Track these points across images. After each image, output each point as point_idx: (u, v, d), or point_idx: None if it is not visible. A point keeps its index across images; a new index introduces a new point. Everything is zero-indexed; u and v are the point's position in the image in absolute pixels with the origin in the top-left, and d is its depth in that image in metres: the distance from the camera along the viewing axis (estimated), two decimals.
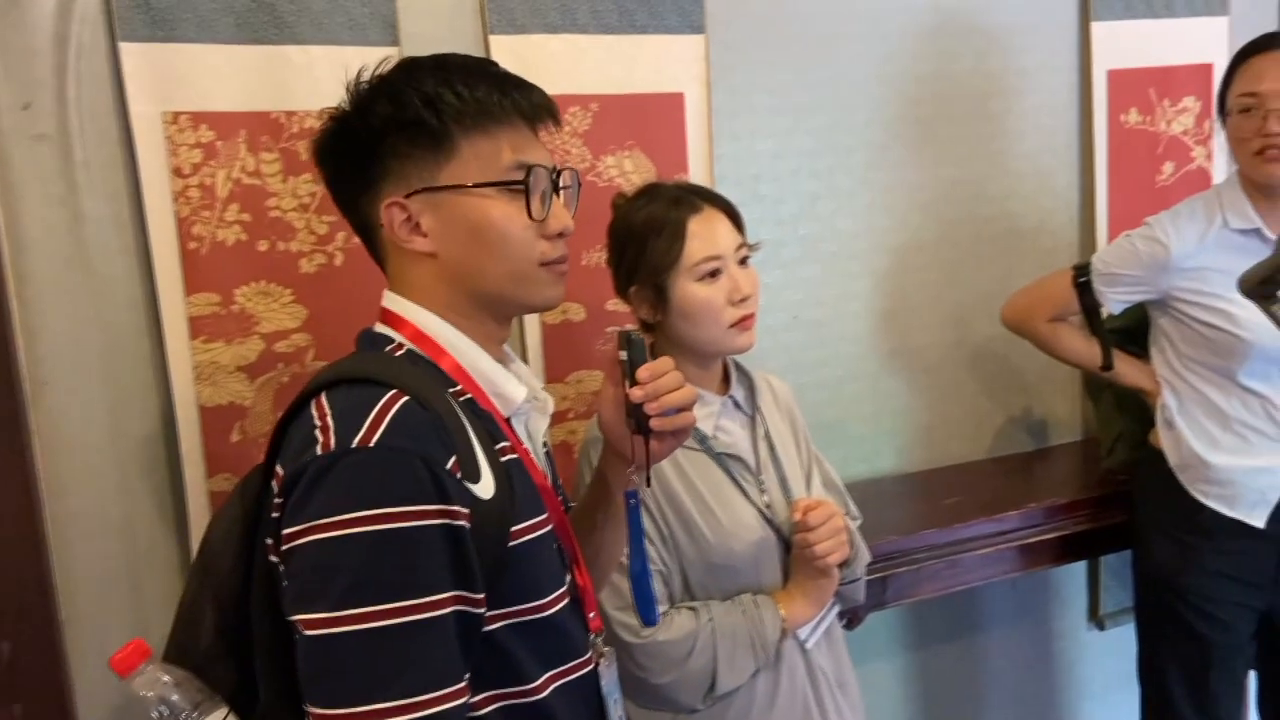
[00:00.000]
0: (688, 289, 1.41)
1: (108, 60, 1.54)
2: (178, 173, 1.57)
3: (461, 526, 0.89)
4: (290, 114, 1.62)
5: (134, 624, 1.62)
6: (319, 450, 0.88)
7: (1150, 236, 1.88)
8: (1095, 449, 2.25)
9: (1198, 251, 1.83)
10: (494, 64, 1.05)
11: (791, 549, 1.46)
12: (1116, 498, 2.07)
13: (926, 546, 1.92)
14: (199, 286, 1.59)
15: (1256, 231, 1.81)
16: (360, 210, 1.04)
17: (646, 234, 1.41)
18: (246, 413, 1.64)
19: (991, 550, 1.97)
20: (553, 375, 1.85)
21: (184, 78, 1.56)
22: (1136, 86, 2.34)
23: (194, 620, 1.04)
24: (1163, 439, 1.94)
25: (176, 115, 1.56)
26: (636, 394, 1.03)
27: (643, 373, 1.03)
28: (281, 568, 0.91)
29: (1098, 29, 2.28)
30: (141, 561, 1.62)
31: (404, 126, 0.98)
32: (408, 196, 1.00)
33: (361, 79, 1.02)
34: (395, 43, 1.67)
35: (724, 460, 1.46)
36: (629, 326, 1.12)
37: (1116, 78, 2.32)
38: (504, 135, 1.01)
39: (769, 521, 1.46)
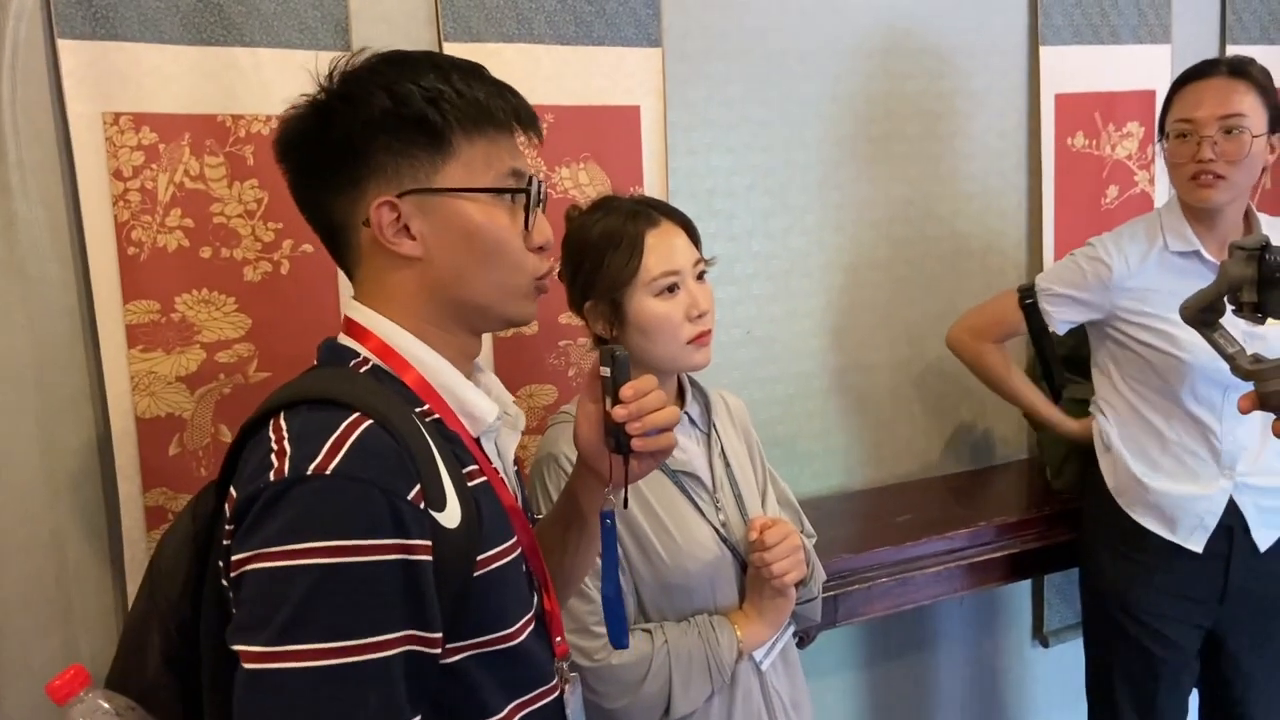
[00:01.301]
0: (645, 304, 1.39)
1: (45, 58, 1.48)
2: (117, 175, 1.51)
3: (420, 562, 0.85)
4: (236, 118, 1.58)
5: (63, 643, 1.55)
6: (272, 476, 0.84)
7: (1093, 256, 1.90)
8: (1043, 467, 2.26)
9: (1139, 272, 1.86)
10: (483, 67, 1.00)
11: (747, 568, 1.45)
12: (1064, 516, 2.10)
13: (878, 565, 1.92)
14: (137, 294, 1.54)
15: (1196, 254, 1.84)
16: (333, 209, 0.98)
17: (603, 248, 1.38)
18: (185, 425, 1.58)
19: (942, 569, 1.98)
20: None
21: (126, 77, 1.51)
22: (1083, 111, 2.38)
23: (139, 646, 0.98)
24: (1101, 462, 1.97)
25: (117, 116, 1.51)
26: (620, 413, 0.99)
27: (627, 391, 1.00)
28: (232, 595, 0.87)
29: (1046, 53, 2.32)
30: (71, 579, 1.56)
31: (403, 122, 0.93)
32: (399, 196, 0.94)
33: (339, 69, 0.97)
34: (347, 47, 1.63)
35: (679, 478, 1.44)
36: (614, 346, 1.08)
37: (1063, 102, 2.36)
38: (502, 140, 0.97)
39: (725, 540, 1.44)
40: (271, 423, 0.89)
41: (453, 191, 0.95)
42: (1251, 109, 1.76)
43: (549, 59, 1.79)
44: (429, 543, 0.86)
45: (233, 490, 0.89)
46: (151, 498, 1.57)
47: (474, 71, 0.97)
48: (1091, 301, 1.90)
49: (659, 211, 1.43)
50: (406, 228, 0.95)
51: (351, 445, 0.84)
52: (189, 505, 1.02)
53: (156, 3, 1.52)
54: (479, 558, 0.92)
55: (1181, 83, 1.84)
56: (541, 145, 1.05)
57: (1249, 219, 1.88)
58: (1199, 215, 1.84)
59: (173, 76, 1.54)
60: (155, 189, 1.54)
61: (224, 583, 0.88)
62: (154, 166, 1.53)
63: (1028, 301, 1.97)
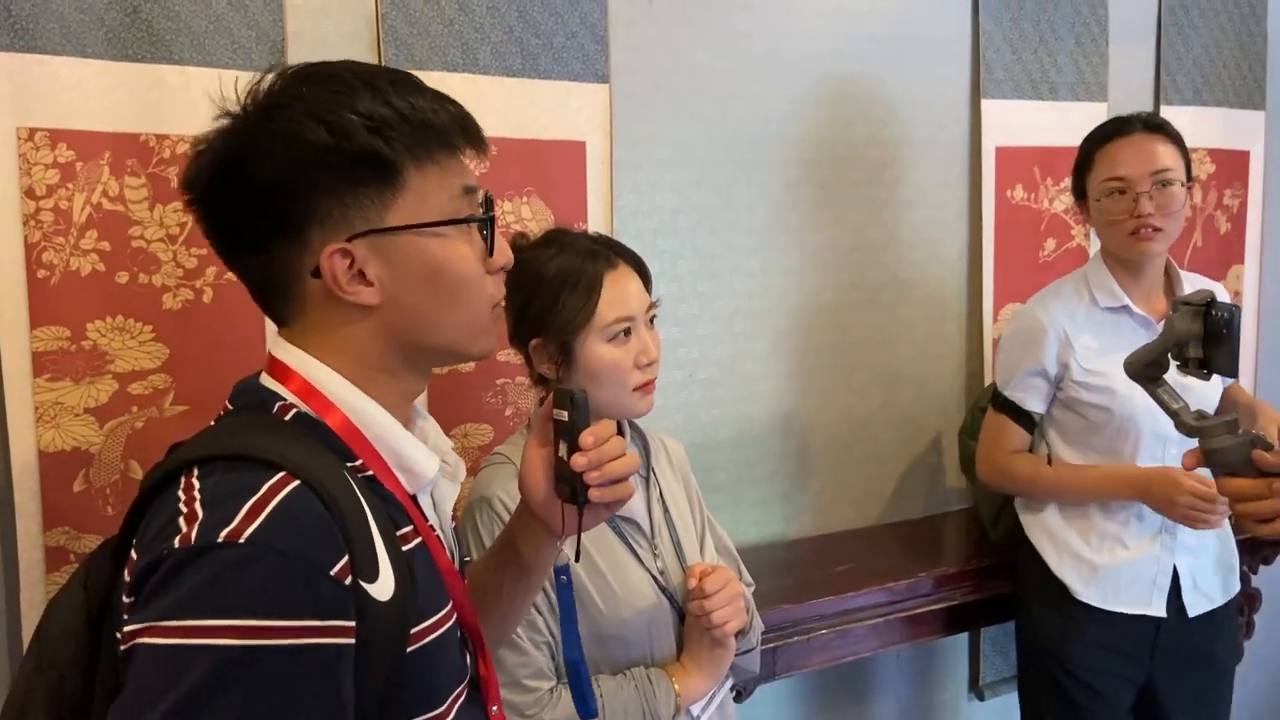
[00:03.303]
0: (597, 349, 1.34)
1: None
2: (30, 194, 1.43)
3: (339, 646, 0.76)
4: (161, 137, 1.51)
5: None
6: (178, 542, 0.74)
7: (1020, 325, 1.93)
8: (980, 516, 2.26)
9: (1071, 328, 1.87)
10: (415, 77, 0.90)
11: (685, 618, 1.39)
12: (1001, 568, 2.08)
13: (818, 616, 1.88)
14: (46, 319, 1.45)
15: (1125, 308, 1.86)
16: (263, 259, 0.86)
17: (559, 286, 1.33)
18: (93, 460, 1.49)
19: (881, 620, 1.95)
20: None
21: (44, 92, 1.44)
22: (1022, 164, 2.41)
23: (20, 713, 0.87)
24: (1034, 532, 1.96)
25: (32, 132, 1.43)
26: (580, 461, 0.93)
27: (587, 438, 0.94)
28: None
29: (988, 107, 2.35)
30: None
31: (347, 159, 0.82)
32: (350, 240, 0.84)
33: (256, 94, 0.85)
34: None
35: (617, 524, 1.39)
36: (571, 388, 1.00)
37: (1004, 155, 2.39)
38: (451, 160, 0.88)
39: (663, 589, 1.39)
40: (182, 480, 0.79)
41: (411, 229, 0.85)
42: (1174, 161, 1.80)
43: (494, 90, 1.75)
44: (352, 624, 0.77)
45: (133, 554, 0.79)
46: (52, 537, 1.47)
47: (409, 84, 0.87)
48: (1039, 367, 1.88)
49: (616, 253, 1.38)
50: (362, 274, 0.85)
51: (273, 510, 0.75)
52: (80, 568, 0.91)
53: (80, 15, 1.45)
54: (413, 631, 0.83)
55: (1099, 142, 1.85)
56: (486, 157, 0.95)
57: (1169, 272, 1.93)
58: (1128, 269, 1.87)
59: (94, 92, 1.46)
60: (70, 209, 1.46)
61: (120, 653, 0.77)
62: (70, 186, 1.45)
63: (1004, 403, 1.95)
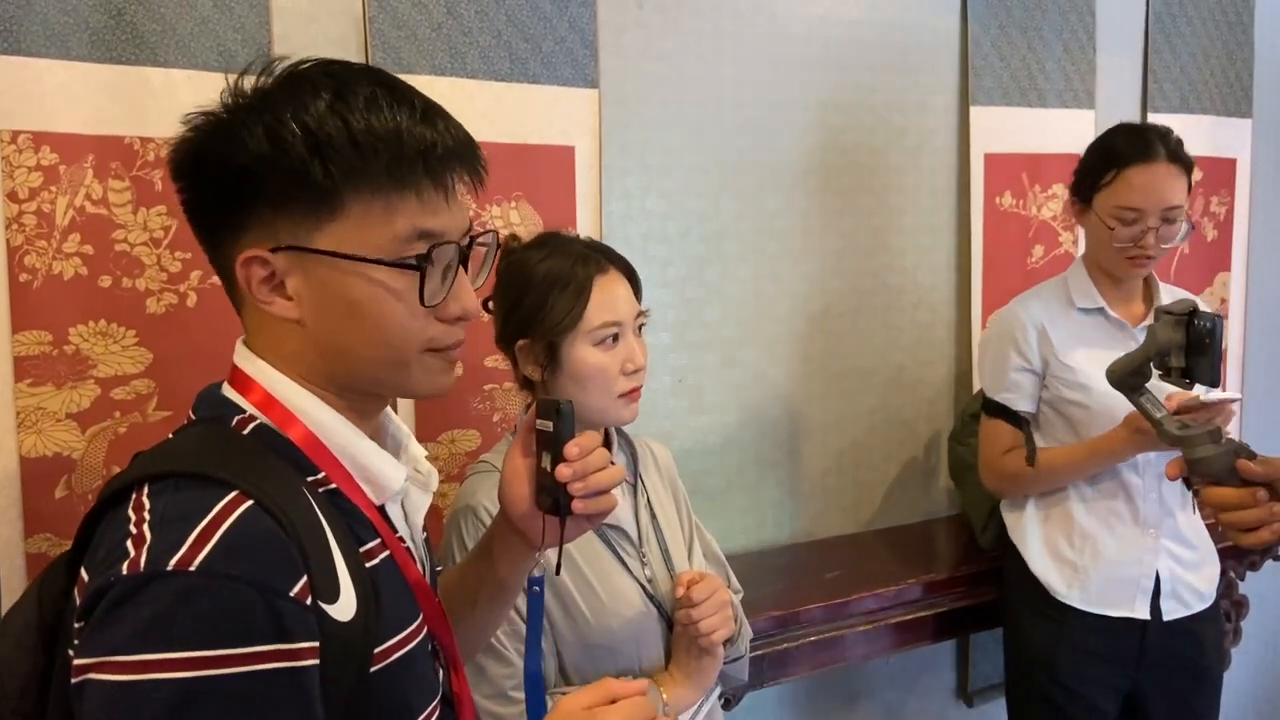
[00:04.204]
0: (583, 352, 1.33)
1: None
2: (12, 197, 1.42)
3: (305, 669, 0.73)
4: (145, 140, 1.49)
5: None
6: (125, 568, 0.70)
7: (1000, 325, 1.95)
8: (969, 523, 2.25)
9: (1049, 325, 1.89)
10: (412, 92, 0.84)
11: (673, 627, 1.38)
12: (990, 575, 2.08)
13: (807, 623, 1.88)
14: (28, 323, 1.43)
15: (1100, 310, 1.89)
16: (218, 246, 0.85)
17: (548, 288, 1.33)
18: (75, 466, 1.47)
19: (870, 627, 1.94)
20: (423, 434, 1.74)
21: (27, 94, 1.42)
22: (1011, 171, 2.42)
23: None
24: (1018, 534, 1.96)
25: (15, 134, 1.42)
26: (565, 472, 0.92)
27: (572, 449, 0.92)
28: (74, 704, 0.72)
29: (976, 114, 2.35)
30: None
31: (280, 173, 0.79)
32: (274, 251, 0.81)
33: (241, 87, 0.83)
34: (268, 75, 1.56)
35: (605, 531, 1.38)
36: (557, 399, 0.98)
37: (992, 161, 2.39)
38: (411, 193, 0.82)
39: (651, 597, 1.38)
40: (134, 497, 0.76)
41: (335, 256, 0.81)
42: (1185, 195, 1.81)
43: (482, 95, 1.74)
44: (315, 644, 0.74)
45: (84, 573, 0.76)
46: (34, 544, 1.45)
47: (390, 103, 0.82)
48: (1028, 362, 1.90)
49: (607, 258, 1.38)
50: (283, 284, 0.82)
51: (224, 534, 0.72)
52: (35, 584, 0.87)
53: (64, 17, 1.43)
54: (377, 650, 0.80)
55: (1123, 161, 1.81)
56: (481, 188, 0.88)
57: (1147, 280, 1.94)
58: (1113, 280, 1.90)
59: (78, 95, 1.45)
60: (53, 212, 1.44)
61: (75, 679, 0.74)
62: (53, 188, 1.44)
63: (995, 407, 1.95)
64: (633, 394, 1.37)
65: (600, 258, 1.37)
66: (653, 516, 1.45)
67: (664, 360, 2.02)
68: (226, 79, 0.84)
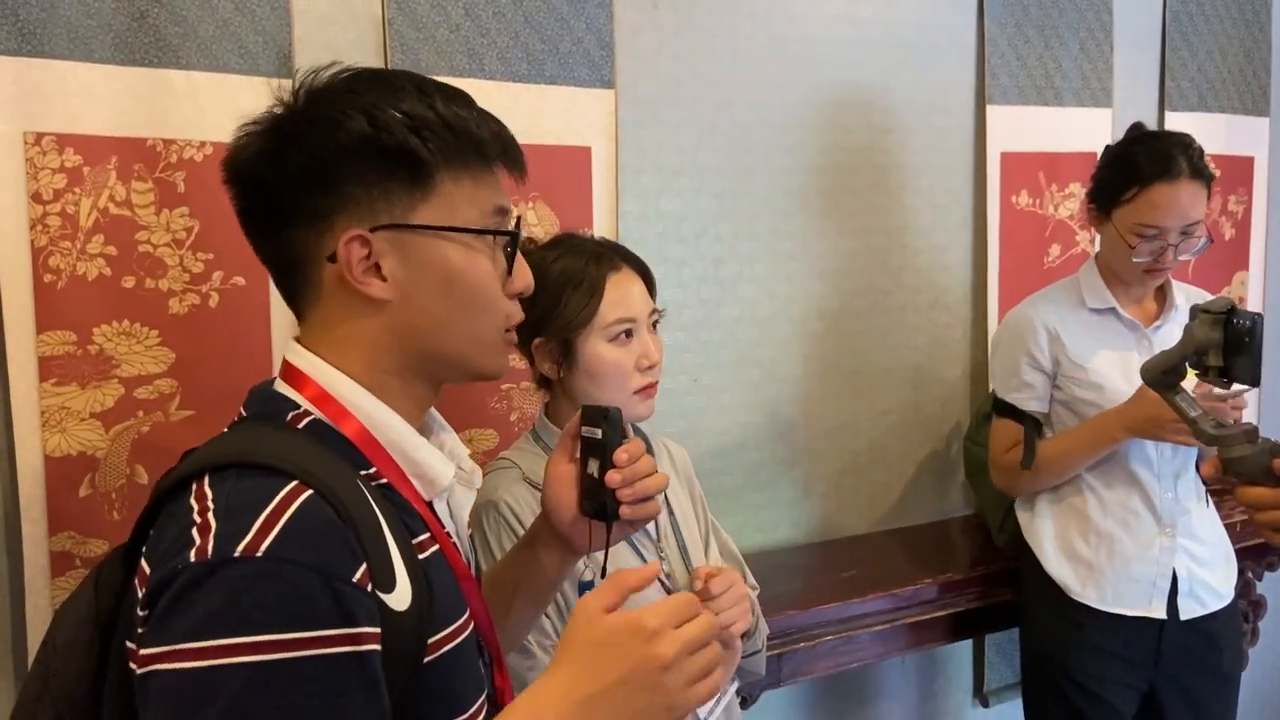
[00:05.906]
0: (598, 348, 1.35)
1: None
2: (36, 199, 1.43)
3: (369, 653, 0.74)
4: (168, 142, 1.51)
5: None
6: (193, 556, 0.72)
7: (1011, 325, 1.95)
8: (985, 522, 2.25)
9: (1059, 325, 1.89)
10: (468, 94, 0.91)
11: None
12: (1006, 575, 2.08)
13: (823, 622, 1.88)
14: (52, 324, 1.45)
15: (1112, 310, 1.89)
16: (292, 242, 0.87)
17: (562, 286, 1.35)
18: (99, 464, 1.49)
19: (887, 627, 1.94)
20: None
21: (51, 96, 1.44)
22: (1027, 170, 2.41)
23: None
24: (1032, 533, 1.96)
25: (40, 136, 1.43)
26: (615, 478, 0.93)
27: (621, 455, 0.94)
28: (138, 694, 0.74)
29: (992, 113, 2.35)
30: None
31: (382, 152, 0.83)
32: (372, 231, 0.84)
33: (307, 86, 0.87)
34: (289, 75, 1.57)
35: None
36: (605, 406, 1.01)
37: (1009, 160, 2.39)
38: (488, 175, 0.88)
39: (669, 592, 1.39)
40: (194, 488, 0.78)
41: (434, 230, 0.85)
42: (1204, 209, 1.80)
43: (500, 96, 1.75)
44: (378, 630, 0.76)
45: (144, 564, 0.77)
46: (58, 542, 1.47)
47: (460, 98, 0.89)
48: (1038, 361, 1.90)
49: (620, 256, 1.40)
50: (377, 266, 0.85)
51: (288, 521, 0.73)
52: (91, 576, 0.88)
53: (88, 20, 1.45)
54: (430, 640, 0.81)
55: (1146, 177, 1.78)
56: (524, 181, 0.94)
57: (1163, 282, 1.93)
58: (1126, 283, 1.89)
59: (102, 97, 1.47)
60: (77, 214, 1.46)
61: (133, 667, 0.75)
62: (77, 190, 1.46)
63: (1004, 406, 1.95)
64: (648, 390, 1.38)
65: (614, 255, 1.39)
66: (670, 514, 1.46)
67: (679, 360, 2.03)
68: (278, 84, 0.89)
